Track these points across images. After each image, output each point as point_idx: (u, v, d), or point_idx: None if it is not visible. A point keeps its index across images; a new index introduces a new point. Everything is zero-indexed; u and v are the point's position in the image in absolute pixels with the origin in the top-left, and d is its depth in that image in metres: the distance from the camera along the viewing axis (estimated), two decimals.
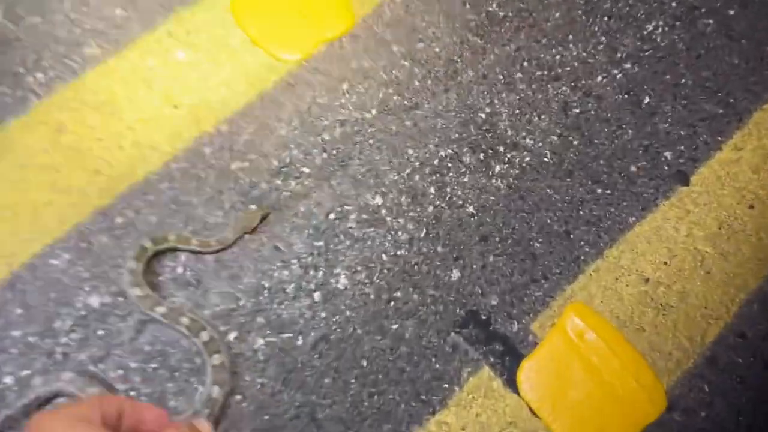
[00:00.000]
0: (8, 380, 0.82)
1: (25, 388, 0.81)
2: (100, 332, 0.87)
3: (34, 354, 0.84)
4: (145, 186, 0.95)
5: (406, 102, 1.06)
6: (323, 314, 0.91)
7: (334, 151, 1.01)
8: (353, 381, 0.88)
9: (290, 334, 0.90)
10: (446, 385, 0.88)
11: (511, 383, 0.88)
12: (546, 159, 1.02)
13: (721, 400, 0.88)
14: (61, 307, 0.87)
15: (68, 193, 0.93)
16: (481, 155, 1.02)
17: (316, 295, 0.92)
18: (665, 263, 0.95)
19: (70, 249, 0.90)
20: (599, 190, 1.00)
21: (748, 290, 0.94)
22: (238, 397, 0.85)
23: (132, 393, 0.83)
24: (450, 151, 1.02)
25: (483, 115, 1.05)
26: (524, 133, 1.03)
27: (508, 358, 0.90)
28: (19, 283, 0.88)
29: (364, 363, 0.89)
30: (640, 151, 1.02)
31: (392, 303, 0.92)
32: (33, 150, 0.95)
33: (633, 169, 1.01)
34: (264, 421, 0.84)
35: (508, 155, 1.02)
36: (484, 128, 1.04)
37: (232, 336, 0.88)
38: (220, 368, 0.84)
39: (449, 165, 1.01)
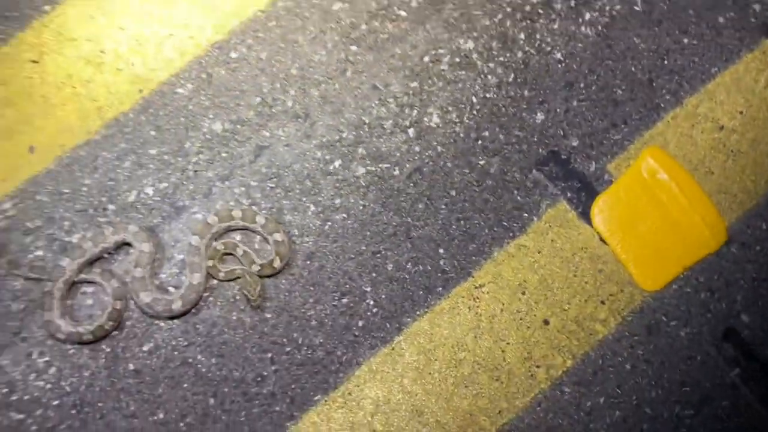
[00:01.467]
0: (149, 191, 0.96)
1: (168, 200, 0.95)
2: (224, 154, 0.98)
3: (168, 170, 0.97)
4: (255, 23, 1.02)
5: None
6: (417, 149, 1.01)
7: None
8: (443, 207, 0.99)
9: (388, 165, 1.00)
10: (526, 215, 0.99)
11: (585, 216, 0.98)
12: (636, 8, 1.04)
13: None
14: (190, 130, 0.98)
15: (186, 27, 1.01)
16: (572, 2, 1.05)
17: (411, 131, 1.01)
18: (741, 113, 1.00)
19: (192, 79, 1.00)
20: (686, 40, 1.03)
21: None
22: (344, 215, 0.98)
23: (254, 207, 0.96)
24: None
25: None
26: None
27: (584, 194, 0.99)
28: (150, 107, 0.98)
29: (453, 193, 0.99)
30: (730, 2, 1.04)
31: (480, 141, 1.01)
32: None
33: (721, 20, 1.03)
34: (366, 237, 0.97)
35: (599, 2, 1.05)
36: None
37: (336, 164, 0.99)
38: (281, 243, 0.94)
39: (540, 11, 1.05)
